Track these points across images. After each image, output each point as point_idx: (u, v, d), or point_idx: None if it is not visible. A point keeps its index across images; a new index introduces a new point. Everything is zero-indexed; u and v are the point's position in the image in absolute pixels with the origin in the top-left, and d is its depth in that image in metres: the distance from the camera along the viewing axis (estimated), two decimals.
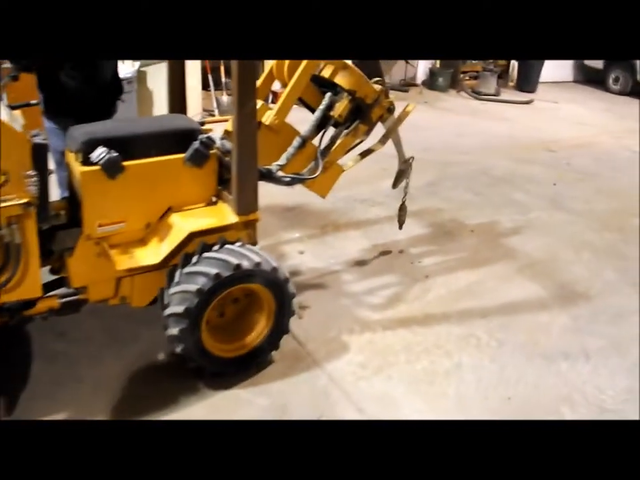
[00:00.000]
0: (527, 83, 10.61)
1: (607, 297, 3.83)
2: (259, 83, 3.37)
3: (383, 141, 3.67)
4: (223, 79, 8.35)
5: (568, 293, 3.83)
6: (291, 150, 3.12)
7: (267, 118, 3.08)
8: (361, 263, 4.07)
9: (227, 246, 2.74)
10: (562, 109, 9.49)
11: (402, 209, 4.05)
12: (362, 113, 3.29)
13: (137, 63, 6.83)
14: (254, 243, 3.03)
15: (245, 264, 2.66)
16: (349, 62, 3.24)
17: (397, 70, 10.37)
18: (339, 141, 3.34)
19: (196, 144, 2.79)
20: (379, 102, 3.32)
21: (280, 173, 3.11)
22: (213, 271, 2.60)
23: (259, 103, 3.06)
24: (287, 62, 3.21)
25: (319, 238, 4.44)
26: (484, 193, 5.49)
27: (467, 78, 10.35)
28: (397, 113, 3.54)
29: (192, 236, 2.76)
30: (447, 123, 8.10)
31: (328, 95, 3.18)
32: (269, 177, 3.05)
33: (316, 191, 3.43)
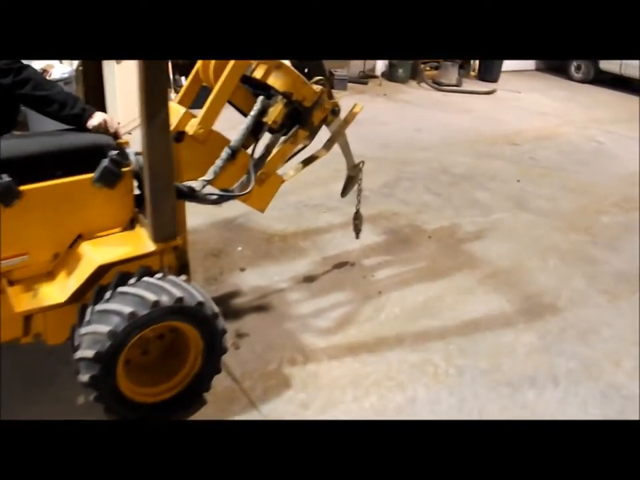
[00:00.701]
0: (489, 72, 10.31)
1: (575, 308, 3.51)
2: (184, 87, 2.98)
3: (327, 146, 3.28)
4: (171, 76, 7.90)
5: (534, 306, 3.51)
6: (219, 163, 2.72)
7: (191, 127, 2.68)
8: (309, 279, 3.69)
9: (145, 278, 2.38)
10: (525, 99, 9.19)
11: (357, 217, 3.68)
12: (301, 117, 2.90)
13: (75, 62, 6.37)
14: (182, 271, 2.68)
15: (165, 299, 2.30)
16: (286, 61, 2.86)
17: (355, 62, 9.98)
18: (275, 149, 2.95)
19: (105, 162, 2.39)
20: (320, 104, 2.93)
21: (208, 189, 2.72)
22: (127, 309, 2.24)
23: (181, 110, 2.67)
24: (212, 62, 2.80)
25: (264, 251, 4.05)
26: (444, 193, 5.15)
27: (428, 68, 9.99)
28: (343, 114, 3.16)
29: (102, 269, 2.40)
30: (407, 117, 7.74)
31: (260, 98, 2.77)
32: (190, 195, 2.65)
33: (252, 205, 3.04)
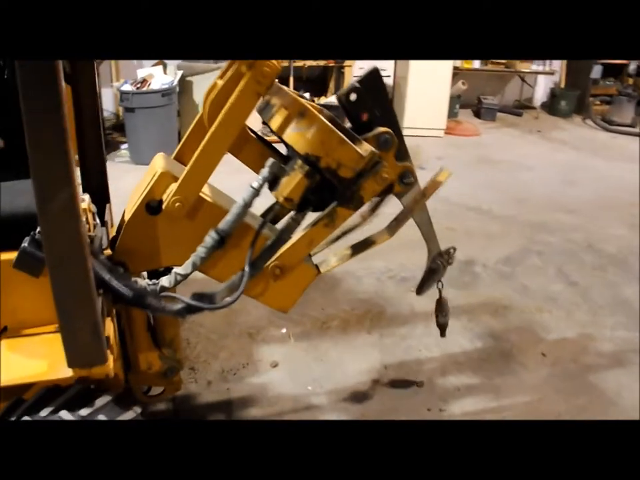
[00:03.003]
0: None
1: None
2: (185, 135, 2.06)
3: (392, 228, 2.20)
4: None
5: None
6: (201, 251, 1.80)
7: (168, 196, 1.80)
8: (353, 398, 2.68)
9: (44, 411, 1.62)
10: None
11: (441, 307, 2.58)
12: (340, 191, 1.89)
13: (179, 73, 5.83)
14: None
15: None
16: (330, 98, 1.89)
17: (511, 88, 8.73)
18: (300, 234, 1.96)
19: (25, 242, 1.58)
20: (375, 173, 1.89)
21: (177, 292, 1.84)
22: None
23: (159, 169, 1.81)
24: (210, 97, 1.89)
25: (312, 340, 3.08)
26: (582, 282, 3.83)
27: (597, 102, 8.41)
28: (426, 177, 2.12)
29: None
30: (558, 162, 6.37)
31: (269, 162, 1.79)
32: (137, 301, 1.76)
33: (269, 305, 2.09)
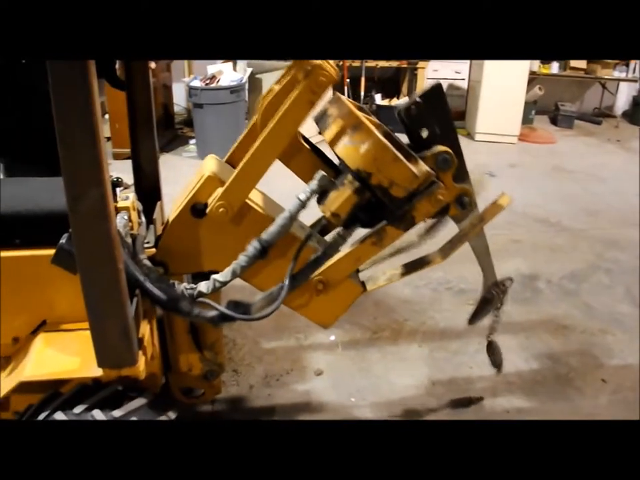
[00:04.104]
0: None
1: None
2: (239, 139, 2.03)
3: (446, 251, 2.09)
4: (362, 94, 7.15)
5: None
6: (242, 260, 1.78)
7: (213, 200, 1.78)
8: (395, 414, 2.59)
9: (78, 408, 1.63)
10: None
11: (492, 349, 2.47)
12: (390, 210, 1.81)
13: (249, 70, 5.87)
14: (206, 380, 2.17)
15: None
16: (373, 119, 1.81)
17: (590, 95, 8.36)
18: (346, 251, 1.90)
19: (63, 239, 1.60)
20: (429, 194, 1.79)
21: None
22: None
23: (207, 172, 1.81)
24: (265, 102, 1.85)
25: (361, 349, 3.01)
26: None
27: None
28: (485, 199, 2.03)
29: (23, 387, 1.72)
30: (636, 174, 5.98)
31: (319, 174, 1.73)
32: (170, 305, 1.74)
33: (310, 318, 2.04)
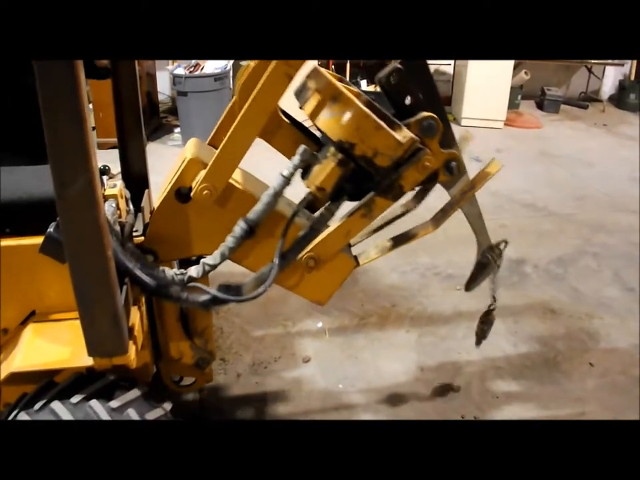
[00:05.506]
0: None
1: None
2: (219, 120, 2.00)
3: (438, 220, 2.08)
4: (347, 80, 7.09)
5: None
6: (230, 241, 1.76)
7: (197, 183, 1.76)
8: (384, 401, 2.61)
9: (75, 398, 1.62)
10: None
11: (487, 319, 2.47)
12: (377, 180, 1.80)
13: None
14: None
15: None
16: (353, 87, 1.79)
17: (577, 80, 8.36)
18: (336, 225, 1.88)
19: (51, 227, 1.57)
20: (415, 161, 1.77)
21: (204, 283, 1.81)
22: None
23: (188, 155, 1.77)
24: (241, 80, 1.82)
25: (348, 335, 3.02)
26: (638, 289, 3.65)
27: None
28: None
29: (14, 378, 1.71)
30: (624, 159, 6.05)
31: (301, 149, 1.71)
32: (160, 291, 1.73)
33: (305, 296, 2.03)
